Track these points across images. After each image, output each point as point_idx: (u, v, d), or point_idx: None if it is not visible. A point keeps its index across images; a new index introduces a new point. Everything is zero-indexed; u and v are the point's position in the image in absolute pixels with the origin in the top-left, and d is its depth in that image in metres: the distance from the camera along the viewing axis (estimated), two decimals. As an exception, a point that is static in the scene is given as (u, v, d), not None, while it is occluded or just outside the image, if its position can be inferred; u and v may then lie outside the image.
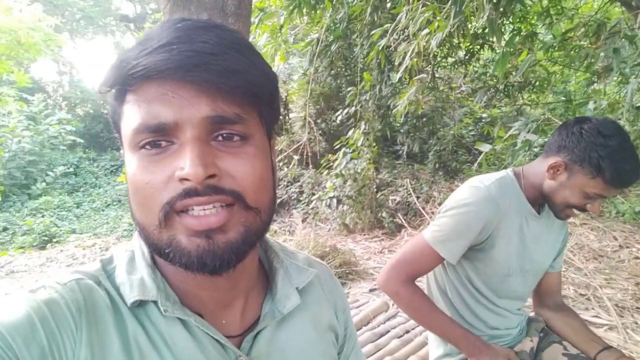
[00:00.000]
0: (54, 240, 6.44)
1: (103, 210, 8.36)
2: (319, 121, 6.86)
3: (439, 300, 1.50)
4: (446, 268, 1.47)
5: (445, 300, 1.48)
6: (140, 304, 0.55)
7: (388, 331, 2.23)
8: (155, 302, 0.56)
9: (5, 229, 7.06)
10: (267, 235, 0.66)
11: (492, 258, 1.34)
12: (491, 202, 1.29)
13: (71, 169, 9.68)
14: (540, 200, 1.37)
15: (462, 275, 1.42)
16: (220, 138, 0.51)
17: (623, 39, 2.57)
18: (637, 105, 3.53)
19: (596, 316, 2.76)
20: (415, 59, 2.98)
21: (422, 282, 1.48)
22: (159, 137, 0.50)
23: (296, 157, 5.90)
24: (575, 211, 1.32)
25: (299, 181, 6.43)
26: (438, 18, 2.59)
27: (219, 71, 0.48)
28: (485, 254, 1.35)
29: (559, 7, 4.23)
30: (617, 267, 3.64)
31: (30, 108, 9.43)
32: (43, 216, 7.58)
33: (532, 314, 1.62)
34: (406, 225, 5.08)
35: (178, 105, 0.49)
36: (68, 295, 0.52)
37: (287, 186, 6.56)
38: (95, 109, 11.63)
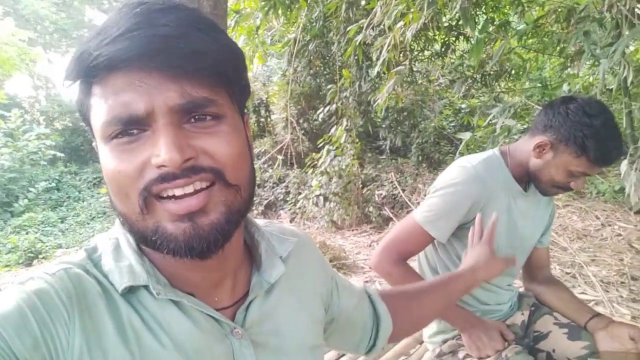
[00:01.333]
0: (40, 256, 6.33)
1: (88, 224, 8.26)
2: (301, 121, 6.87)
3: (431, 280, 1.52)
4: (437, 247, 1.49)
5: None
6: (130, 290, 0.55)
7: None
8: (146, 287, 0.55)
9: (-12, 249, 6.93)
10: None
11: None
12: (478, 181, 1.33)
13: (53, 184, 9.52)
14: (526, 178, 1.40)
15: (452, 253, 1.45)
16: (192, 120, 0.51)
17: (592, 23, 2.64)
18: (610, 87, 3.63)
19: (583, 293, 2.82)
20: (392, 52, 3.02)
21: (414, 262, 1.50)
22: (130, 127, 0.49)
23: (280, 158, 5.91)
24: (560, 189, 1.35)
25: (284, 182, 6.44)
26: (412, 10, 2.63)
27: (183, 54, 0.47)
28: None
29: (530, -5, 4.31)
30: (601, 245, 3.73)
31: (7, 124, 9.27)
32: (27, 233, 7.45)
33: (522, 290, 1.66)
34: (394, 218, 5.12)
35: (146, 93, 0.48)
36: (58, 284, 0.51)
37: (273, 187, 6.56)
38: (74, 122, 11.46)
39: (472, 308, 1.46)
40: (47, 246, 6.82)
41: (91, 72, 0.48)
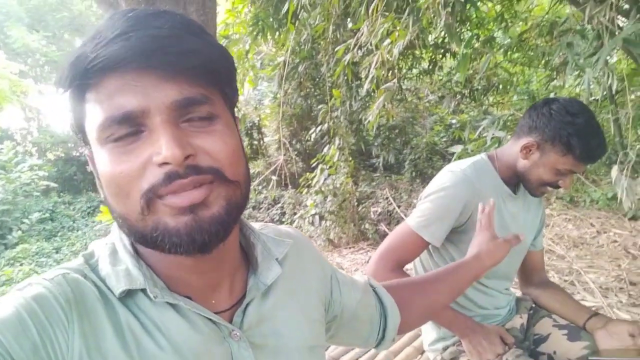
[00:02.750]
0: (35, 288, 6.24)
1: (83, 253, 8.18)
2: (293, 142, 6.92)
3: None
4: (432, 253, 1.50)
5: None
6: (128, 293, 0.55)
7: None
8: (143, 291, 0.56)
9: (-18, 283, 6.82)
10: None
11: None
12: (468, 184, 1.35)
13: (47, 215, 9.44)
14: (515, 180, 1.43)
15: (447, 258, 1.46)
16: (188, 120, 0.52)
17: (575, 35, 2.70)
18: (596, 97, 3.69)
19: (582, 299, 2.82)
20: (381, 70, 3.06)
21: (410, 270, 1.51)
22: (127, 127, 0.49)
23: (275, 179, 5.91)
24: (549, 188, 1.38)
25: (279, 202, 6.43)
26: (398, 28, 2.68)
27: (178, 53, 0.48)
28: (467, 235, 1.39)
29: (513, 11, 4.42)
30: (598, 252, 3.74)
31: (-1, 157, 9.26)
32: (22, 264, 7.35)
33: (519, 294, 1.66)
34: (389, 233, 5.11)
35: (142, 92, 0.48)
36: (56, 289, 0.52)
37: (269, 208, 6.55)
38: (67, 152, 11.45)
39: (471, 313, 1.46)
40: (42, 278, 6.72)
41: (86, 75, 0.48)
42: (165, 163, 0.48)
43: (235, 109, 0.64)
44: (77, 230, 9.20)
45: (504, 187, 1.42)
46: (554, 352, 1.42)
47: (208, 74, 0.52)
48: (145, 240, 0.52)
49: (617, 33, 2.14)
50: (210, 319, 0.60)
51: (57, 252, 8.18)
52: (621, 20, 2.60)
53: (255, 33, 4.32)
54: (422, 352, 1.65)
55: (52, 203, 9.98)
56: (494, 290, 1.49)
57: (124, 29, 0.48)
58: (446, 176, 1.39)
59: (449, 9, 2.42)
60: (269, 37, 4.32)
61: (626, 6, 2.34)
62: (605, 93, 3.10)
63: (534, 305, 1.59)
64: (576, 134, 1.25)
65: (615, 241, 3.92)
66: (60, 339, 0.49)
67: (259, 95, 8.11)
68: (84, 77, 0.49)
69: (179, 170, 0.49)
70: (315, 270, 0.80)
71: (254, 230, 0.71)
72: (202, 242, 0.51)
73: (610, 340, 1.29)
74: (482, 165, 1.44)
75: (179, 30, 0.50)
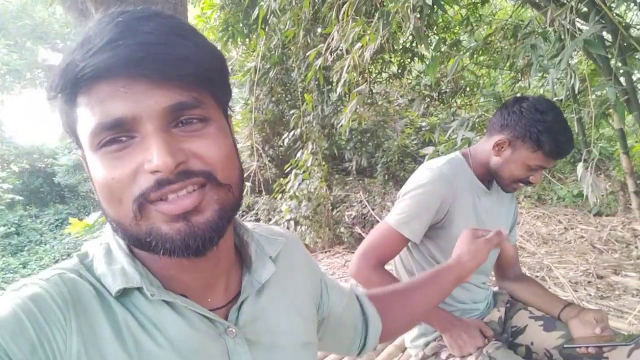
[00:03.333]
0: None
1: (51, 268, 7.93)
2: (266, 148, 6.88)
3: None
4: (411, 250, 1.53)
5: None
6: (124, 292, 0.55)
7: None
8: (139, 289, 0.56)
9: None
10: None
11: (452, 235, 1.41)
12: (445, 181, 1.38)
13: (12, 229, 9.15)
14: (488, 176, 1.47)
15: (426, 254, 1.49)
16: (180, 124, 0.52)
17: (537, 37, 2.79)
18: (560, 97, 3.81)
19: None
20: (352, 74, 3.10)
21: (390, 266, 1.52)
22: (118, 134, 0.50)
23: (248, 185, 5.88)
24: (521, 184, 1.43)
25: (253, 209, 6.38)
26: (368, 32, 2.72)
27: (168, 60, 0.48)
28: (445, 231, 1.42)
29: (478, 15, 4.53)
30: (566, 247, 3.86)
31: (-41, 171, 8.91)
32: (-15, 282, 7.10)
33: (496, 289, 1.70)
34: (365, 236, 5.13)
35: (133, 99, 0.48)
36: (52, 289, 0.52)
37: (243, 215, 6.48)
38: (32, 163, 11.12)
39: (450, 308, 1.49)
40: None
41: (78, 83, 0.49)
42: (157, 171, 0.49)
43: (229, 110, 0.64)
44: (45, 244, 8.94)
45: (478, 183, 1.47)
46: (531, 343, 1.46)
47: (199, 79, 0.52)
48: (139, 243, 0.53)
49: (577, 35, 2.22)
50: (206, 316, 0.60)
51: (24, 267, 7.93)
52: (580, 23, 2.70)
53: (225, 39, 4.30)
54: (404, 349, 1.67)
55: (17, 217, 9.67)
56: (472, 285, 1.52)
57: (112, 36, 0.48)
58: (424, 174, 1.42)
59: (417, 14, 2.47)
60: (239, 42, 4.32)
61: (585, 9, 2.43)
62: (568, 93, 3.21)
63: (510, 299, 1.63)
64: (546, 131, 1.30)
65: (582, 237, 4.05)
66: (58, 338, 0.49)
67: (230, 102, 8.05)
68: (74, 86, 0.50)
69: (170, 177, 0.49)
70: (306, 270, 0.81)
71: (247, 229, 0.72)
72: (196, 248, 0.52)
73: (584, 328, 1.32)
74: (458, 162, 1.47)
75: (169, 35, 0.50)
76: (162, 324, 0.56)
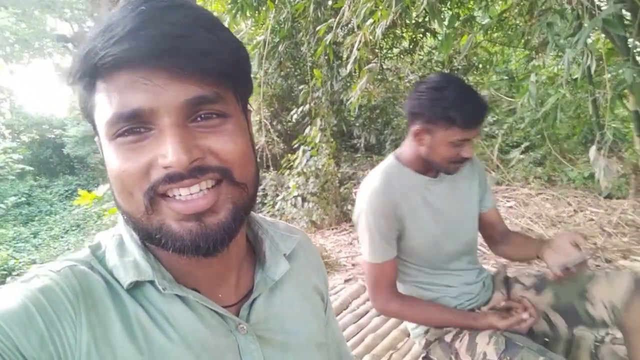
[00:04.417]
0: (14, 273, 6.17)
1: (62, 237, 8.07)
2: (274, 123, 6.84)
3: (409, 292, 1.56)
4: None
5: (411, 287, 1.55)
6: (135, 285, 0.55)
7: (367, 311, 2.27)
8: (151, 282, 0.56)
9: (-42, 269, 6.69)
10: None
11: (414, 237, 1.44)
12: (383, 192, 1.40)
13: (23, 199, 9.26)
14: (429, 166, 1.46)
15: (407, 262, 1.52)
16: (198, 119, 0.51)
17: (554, 14, 2.71)
18: (575, 77, 3.72)
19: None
20: (363, 50, 3.03)
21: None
22: (135, 124, 0.49)
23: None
24: (458, 163, 1.40)
25: (261, 184, 6.40)
26: (380, 7, 2.65)
27: (190, 55, 0.47)
28: (407, 235, 1.44)
29: (493, -11, 4.40)
30: (575, 230, 3.82)
31: (-30, 141, 8.98)
32: (-1, 250, 7.24)
33: (493, 271, 1.71)
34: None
35: (152, 91, 0.48)
36: (63, 281, 0.51)
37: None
38: (42, 134, 11.19)
39: (440, 294, 1.51)
40: (20, 262, 6.64)
41: (97, 70, 0.48)
42: (170, 166, 0.48)
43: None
44: (55, 215, 9.05)
45: (421, 178, 1.46)
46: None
47: (220, 75, 0.51)
48: (150, 238, 0.53)
49: (596, 13, 2.15)
50: (217, 312, 0.60)
51: (34, 237, 8.06)
52: (599, 1, 2.61)
53: (234, 11, 4.22)
54: (409, 334, 1.68)
55: (28, 187, 9.78)
56: (460, 270, 1.53)
57: (135, 26, 0.47)
58: (361, 198, 1.45)
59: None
60: (248, 15, 4.24)
61: (605, -14, 2.34)
62: (584, 73, 3.14)
63: (505, 275, 1.65)
64: (450, 106, 1.29)
65: (592, 219, 4.01)
66: (68, 331, 0.49)
67: (238, 76, 7.99)
68: (93, 73, 0.49)
69: (183, 172, 0.48)
70: (317, 271, 0.81)
71: (262, 225, 0.71)
72: (207, 249, 0.51)
73: (558, 256, 1.29)
74: (392, 167, 1.48)
75: (193, 27, 0.49)
76: (173, 318, 0.56)
